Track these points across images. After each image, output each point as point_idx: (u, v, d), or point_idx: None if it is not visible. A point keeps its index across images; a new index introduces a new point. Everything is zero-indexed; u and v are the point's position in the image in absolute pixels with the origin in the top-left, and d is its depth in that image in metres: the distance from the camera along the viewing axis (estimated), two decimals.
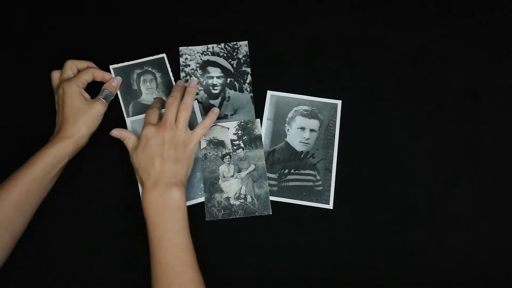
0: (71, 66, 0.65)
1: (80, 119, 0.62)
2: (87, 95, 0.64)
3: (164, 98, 0.70)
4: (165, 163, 0.59)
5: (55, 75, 0.66)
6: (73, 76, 0.65)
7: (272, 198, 0.66)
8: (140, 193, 0.60)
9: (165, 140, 0.60)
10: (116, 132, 0.64)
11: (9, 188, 0.57)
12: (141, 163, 0.60)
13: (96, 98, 0.64)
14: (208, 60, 0.72)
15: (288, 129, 0.69)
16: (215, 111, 0.66)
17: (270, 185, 0.66)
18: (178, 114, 0.62)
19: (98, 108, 0.63)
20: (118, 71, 0.70)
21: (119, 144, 0.64)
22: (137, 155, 0.60)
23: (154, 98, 0.69)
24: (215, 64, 0.72)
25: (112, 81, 0.67)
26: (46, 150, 0.60)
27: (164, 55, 0.71)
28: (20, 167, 0.59)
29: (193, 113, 0.68)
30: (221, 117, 0.69)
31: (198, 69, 0.71)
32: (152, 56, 0.71)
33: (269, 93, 0.70)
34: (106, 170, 0.66)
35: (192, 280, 0.55)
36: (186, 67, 0.71)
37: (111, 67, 0.70)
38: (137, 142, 0.62)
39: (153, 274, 0.55)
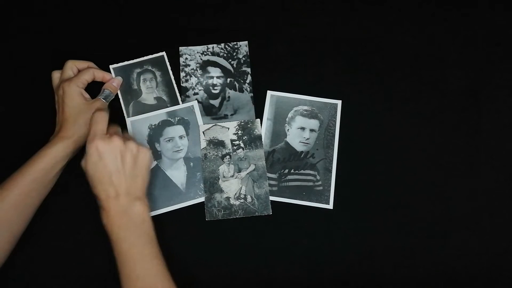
0: (71, 66, 0.65)
1: (80, 119, 0.61)
2: (87, 95, 0.64)
3: (164, 97, 0.69)
4: (122, 177, 0.56)
5: (56, 75, 0.66)
6: (73, 76, 0.64)
7: (272, 198, 0.66)
8: (100, 209, 0.56)
9: (117, 153, 0.56)
10: None
11: (9, 188, 0.57)
12: (97, 178, 0.56)
13: (96, 98, 0.64)
14: (208, 60, 0.72)
15: (288, 129, 0.69)
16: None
17: (270, 185, 0.66)
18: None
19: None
20: (118, 71, 0.70)
21: None
22: (90, 170, 0.56)
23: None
24: (215, 64, 0.72)
25: (113, 81, 0.67)
26: (46, 151, 0.59)
27: (163, 53, 0.71)
28: (20, 168, 0.59)
29: (193, 113, 0.69)
30: (221, 117, 0.69)
31: (198, 69, 0.71)
32: (152, 54, 0.71)
33: (269, 93, 0.70)
34: None
35: None
36: (186, 67, 0.71)
37: (111, 66, 0.70)
38: (87, 153, 0.56)
39: None
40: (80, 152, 0.64)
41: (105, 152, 0.55)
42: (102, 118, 0.58)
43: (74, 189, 0.66)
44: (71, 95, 0.62)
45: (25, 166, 0.58)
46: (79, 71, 0.66)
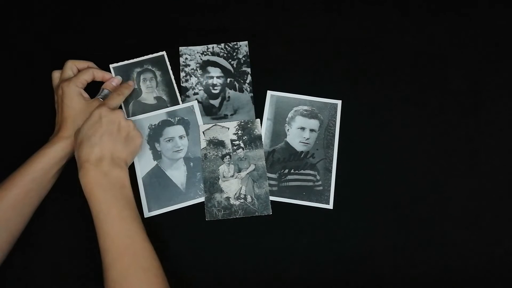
0: (71, 66, 0.65)
1: (79, 119, 0.61)
2: (86, 95, 0.64)
3: (164, 97, 0.70)
4: (111, 142, 0.58)
5: (56, 75, 0.66)
6: (73, 76, 0.64)
7: (272, 198, 0.66)
8: (79, 171, 0.56)
9: (115, 122, 0.59)
10: None
11: (7, 188, 0.57)
12: (87, 136, 0.57)
13: (95, 98, 0.64)
14: (208, 60, 0.72)
15: (288, 129, 0.69)
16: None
17: (270, 185, 0.66)
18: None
19: None
20: (118, 70, 0.70)
21: None
22: (84, 128, 0.58)
23: (128, 82, 0.69)
24: (215, 64, 0.72)
25: (112, 80, 0.67)
26: (45, 150, 0.59)
27: (164, 52, 0.71)
28: (19, 167, 0.59)
29: (193, 113, 0.69)
30: (221, 117, 0.69)
31: (198, 69, 0.71)
32: (152, 54, 0.71)
33: (269, 93, 0.70)
34: None
35: (145, 248, 0.54)
36: (186, 67, 0.71)
37: (111, 66, 0.70)
38: (88, 116, 0.60)
39: (101, 246, 0.54)
40: None
41: (106, 117, 0.59)
42: (119, 99, 0.64)
43: (74, 189, 0.65)
44: (70, 95, 0.62)
45: (24, 166, 0.59)
46: (79, 71, 0.66)
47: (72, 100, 0.62)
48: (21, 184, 0.58)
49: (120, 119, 0.60)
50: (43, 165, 0.59)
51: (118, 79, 0.68)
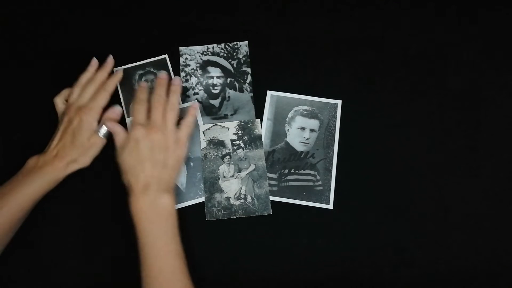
0: (64, 95, 0.65)
1: (78, 152, 0.61)
2: (95, 128, 0.62)
3: None
4: (155, 168, 0.57)
5: (58, 100, 0.65)
6: (90, 102, 0.62)
7: (272, 198, 0.66)
8: (129, 198, 0.56)
9: (154, 144, 0.57)
10: (109, 125, 0.61)
11: (5, 205, 0.56)
12: (130, 165, 0.57)
13: (96, 133, 0.62)
14: (208, 60, 0.72)
15: (288, 129, 0.69)
16: (195, 106, 0.64)
17: (270, 185, 0.66)
18: (166, 115, 0.60)
19: (98, 145, 0.62)
20: None
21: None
22: (125, 156, 0.58)
23: (140, 84, 0.64)
24: (215, 64, 0.72)
25: (112, 113, 0.63)
26: (36, 179, 0.58)
27: (166, 56, 0.71)
28: (6, 193, 0.57)
29: None
30: (221, 117, 0.69)
31: (198, 69, 0.71)
32: (154, 57, 0.71)
33: (269, 93, 0.70)
34: (105, 170, 0.66)
35: (185, 286, 0.54)
36: (186, 67, 0.71)
37: (115, 70, 0.70)
38: (125, 141, 0.59)
39: (144, 281, 0.53)
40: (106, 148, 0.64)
41: (142, 140, 0.57)
42: (142, 108, 0.60)
43: (74, 189, 0.66)
44: (87, 127, 0.61)
45: (13, 193, 0.57)
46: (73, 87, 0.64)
47: (87, 132, 0.61)
48: (7, 215, 0.57)
49: (155, 139, 0.58)
50: (32, 197, 0.58)
51: (119, 110, 0.64)
